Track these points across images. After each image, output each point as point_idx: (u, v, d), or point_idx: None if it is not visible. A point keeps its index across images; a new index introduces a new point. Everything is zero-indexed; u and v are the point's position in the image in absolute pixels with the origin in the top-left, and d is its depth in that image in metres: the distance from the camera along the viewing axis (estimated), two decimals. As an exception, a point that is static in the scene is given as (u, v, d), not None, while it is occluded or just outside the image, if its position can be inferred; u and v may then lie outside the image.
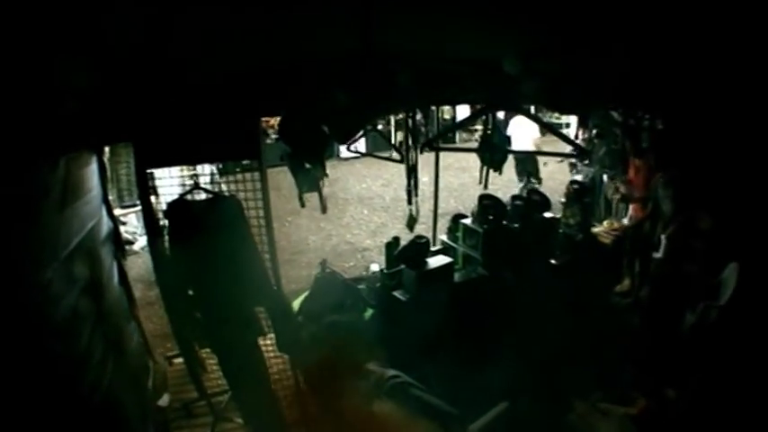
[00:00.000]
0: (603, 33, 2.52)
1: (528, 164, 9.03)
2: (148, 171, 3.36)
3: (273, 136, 8.28)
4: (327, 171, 4.20)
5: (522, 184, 9.08)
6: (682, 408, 3.55)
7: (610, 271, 5.80)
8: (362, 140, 8.65)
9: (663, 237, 4.61)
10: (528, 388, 3.63)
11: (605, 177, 6.67)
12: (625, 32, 2.49)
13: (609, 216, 6.64)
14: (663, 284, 4.52)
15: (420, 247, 4.35)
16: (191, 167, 4.78)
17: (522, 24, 2.51)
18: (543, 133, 9.13)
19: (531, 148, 8.65)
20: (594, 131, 6.55)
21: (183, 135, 3.19)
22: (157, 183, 3.74)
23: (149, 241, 3.54)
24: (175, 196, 3.46)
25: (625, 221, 6.02)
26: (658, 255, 4.73)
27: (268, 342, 3.66)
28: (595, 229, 6.06)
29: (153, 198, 3.50)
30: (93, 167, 3.33)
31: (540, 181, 9.10)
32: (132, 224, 8.15)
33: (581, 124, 8.24)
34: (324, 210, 4.28)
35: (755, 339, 3.04)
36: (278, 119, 3.37)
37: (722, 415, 3.14)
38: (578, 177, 6.71)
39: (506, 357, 3.77)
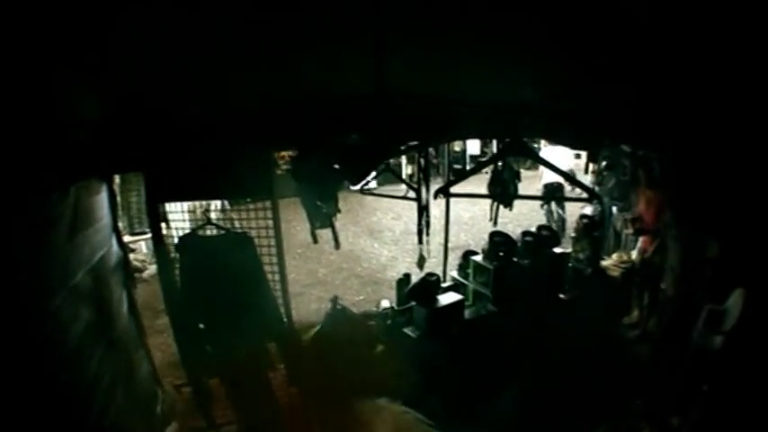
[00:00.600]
0: (616, 70, 2.55)
1: (559, 191, 8.66)
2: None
3: (284, 167, 8.34)
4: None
5: (547, 211, 9.12)
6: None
7: (618, 303, 5.76)
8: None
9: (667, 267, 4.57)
10: (536, 422, 3.59)
11: (614, 209, 6.65)
12: (637, 68, 2.52)
13: (618, 248, 6.60)
14: (672, 314, 4.48)
15: (431, 284, 4.34)
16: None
17: (533, 65, 2.55)
18: (579, 156, 8.92)
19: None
20: (604, 163, 6.54)
21: (195, 171, 3.24)
22: (168, 213, 3.78)
23: (160, 274, 3.56)
24: (187, 230, 3.51)
25: (634, 254, 5.97)
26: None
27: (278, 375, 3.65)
28: (605, 263, 6.02)
29: (164, 227, 3.54)
30: (104, 196, 3.34)
31: (562, 209, 9.08)
32: (142, 252, 8.20)
33: (590, 157, 8.23)
34: (337, 246, 4.30)
35: (760, 366, 3.00)
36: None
37: None
38: (588, 210, 6.70)
39: (515, 393, 3.74)
